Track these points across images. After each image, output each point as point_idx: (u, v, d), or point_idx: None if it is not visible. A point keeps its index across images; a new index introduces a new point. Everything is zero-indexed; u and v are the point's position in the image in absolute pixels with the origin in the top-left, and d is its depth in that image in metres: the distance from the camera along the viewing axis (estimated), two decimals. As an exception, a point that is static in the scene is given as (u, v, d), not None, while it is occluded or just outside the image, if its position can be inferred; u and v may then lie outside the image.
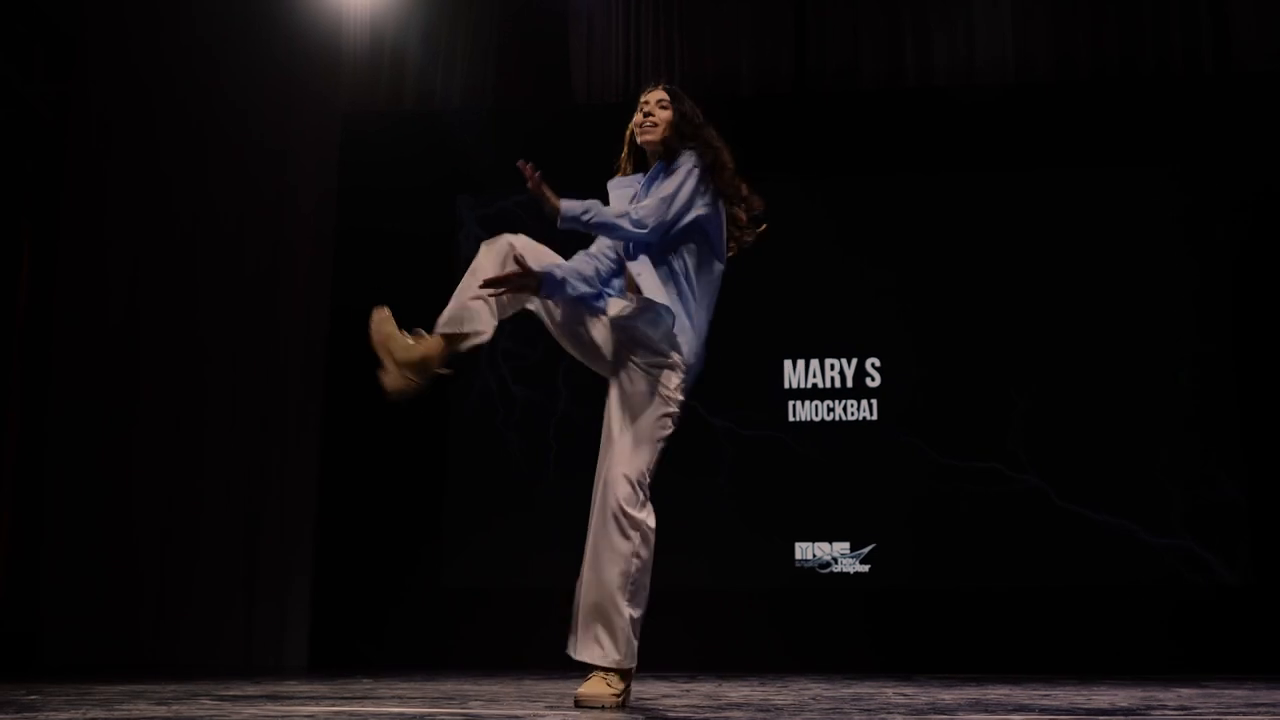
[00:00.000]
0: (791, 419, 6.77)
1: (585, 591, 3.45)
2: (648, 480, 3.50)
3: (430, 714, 3.06)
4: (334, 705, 3.41)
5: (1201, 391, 6.53)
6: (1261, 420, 6.46)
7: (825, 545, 6.61)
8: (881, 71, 7.11)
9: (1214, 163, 6.71)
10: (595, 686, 3.28)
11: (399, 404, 3.67)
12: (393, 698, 3.79)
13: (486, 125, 7.16)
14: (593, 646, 3.36)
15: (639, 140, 3.82)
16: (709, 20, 7.20)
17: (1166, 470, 6.45)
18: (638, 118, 3.82)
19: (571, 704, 3.32)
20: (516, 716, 3.02)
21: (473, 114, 7.24)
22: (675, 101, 3.77)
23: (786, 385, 6.81)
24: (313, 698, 3.76)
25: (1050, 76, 7.01)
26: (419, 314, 6.94)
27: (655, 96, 3.78)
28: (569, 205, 3.56)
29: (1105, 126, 6.80)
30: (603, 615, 3.38)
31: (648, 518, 3.48)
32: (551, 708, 3.36)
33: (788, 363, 6.83)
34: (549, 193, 3.59)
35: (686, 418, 6.75)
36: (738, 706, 3.42)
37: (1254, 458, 6.44)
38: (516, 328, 6.95)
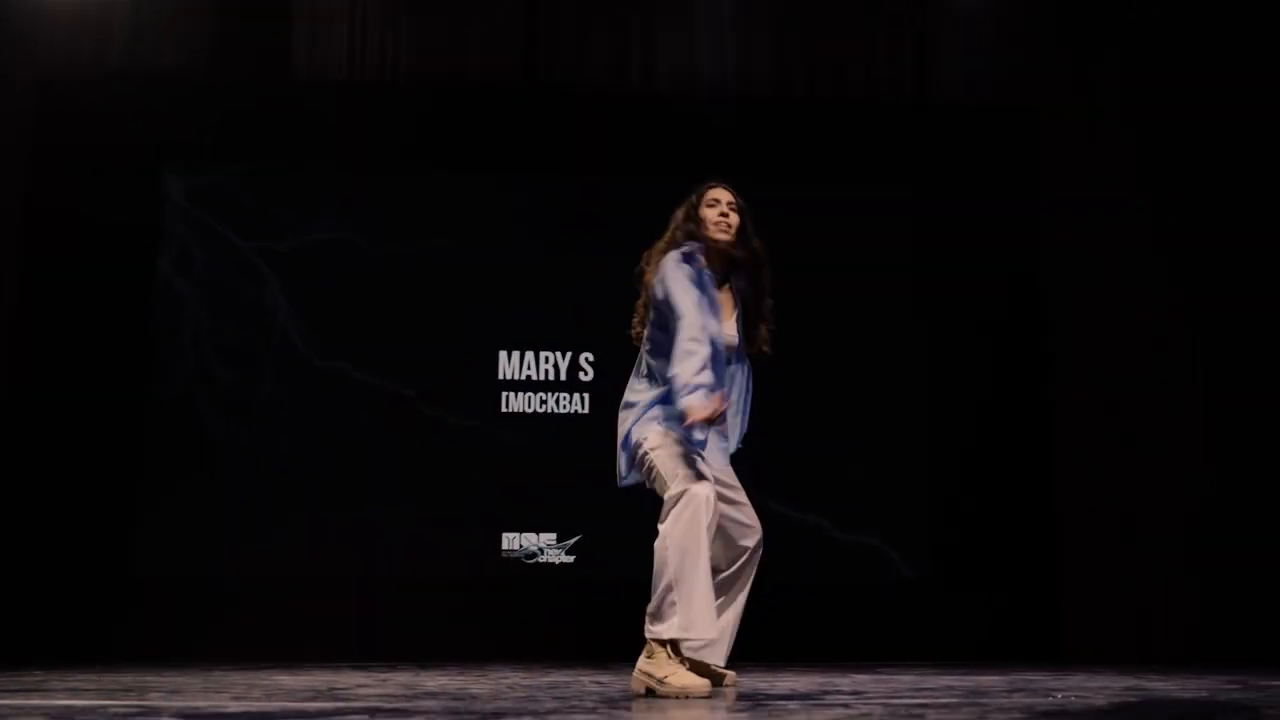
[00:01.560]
0: (504, 410, 6.76)
1: None
2: None
3: (101, 705, 2.88)
4: (-5, 698, 3.16)
5: (892, 401, 6.91)
6: (944, 428, 6.88)
7: (532, 536, 6.64)
8: (607, 73, 7.16)
9: (910, 183, 7.12)
10: None
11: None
12: (65, 690, 3.55)
13: (198, 93, 6.83)
14: None
15: (715, 236, 3.85)
16: (436, 9, 7.07)
17: (858, 472, 6.79)
18: (712, 213, 3.87)
19: (259, 695, 3.19)
20: (195, 709, 2.87)
21: (184, 80, 6.86)
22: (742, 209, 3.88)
23: (500, 376, 6.80)
24: (-27, 691, 3.48)
25: (766, 91, 7.23)
26: (116, 302, 6.61)
27: (728, 197, 3.90)
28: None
29: (815, 142, 7.10)
30: None
31: None
32: (237, 699, 3.22)
33: (502, 354, 6.82)
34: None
35: (398, 407, 6.68)
36: (432, 695, 3.38)
37: (936, 463, 6.86)
38: (221, 303, 6.71)
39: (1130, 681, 4.20)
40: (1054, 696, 3.37)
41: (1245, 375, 6.80)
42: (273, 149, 6.93)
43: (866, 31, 7.26)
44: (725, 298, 3.86)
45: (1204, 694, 3.48)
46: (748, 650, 6.21)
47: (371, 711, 2.79)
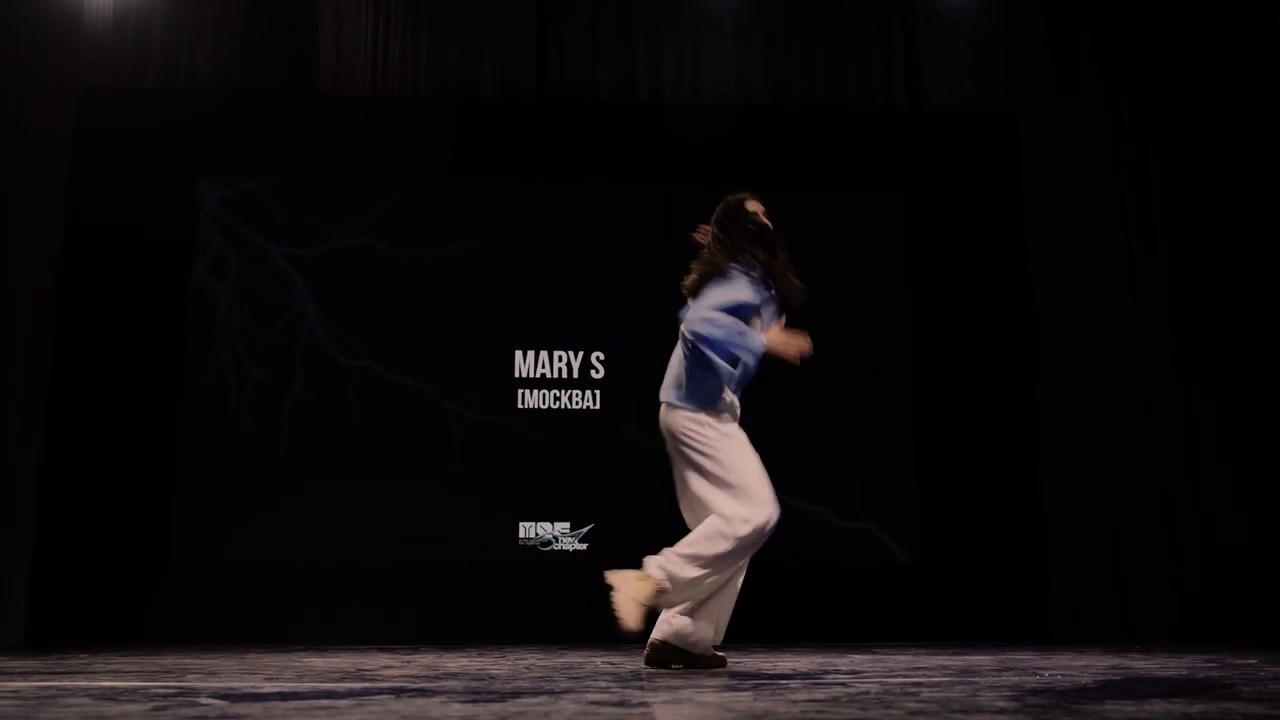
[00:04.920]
0: (520, 406, 6.78)
1: None
2: None
3: (142, 687, 2.90)
4: (44, 680, 3.18)
5: (885, 396, 6.92)
6: (934, 421, 6.89)
7: (547, 525, 6.65)
8: (615, 85, 7.17)
9: (902, 187, 7.13)
10: None
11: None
12: (108, 672, 3.57)
13: (231, 107, 6.86)
14: None
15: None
16: (455, 25, 7.10)
17: (853, 462, 6.80)
18: (766, 221, 3.96)
19: (291, 676, 3.21)
20: (231, 689, 2.89)
21: (217, 94, 6.89)
22: None
23: (517, 374, 6.81)
24: (23, 673, 3.50)
25: (766, 100, 7.23)
26: (153, 299, 6.64)
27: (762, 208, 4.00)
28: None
29: (812, 150, 7.10)
30: None
31: None
32: (270, 679, 3.23)
33: (518, 353, 6.83)
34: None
35: (420, 403, 6.68)
36: (454, 675, 3.39)
37: (924, 452, 6.87)
38: (253, 306, 6.73)
39: (1113, 660, 4.21)
40: (1041, 675, 3.38)
41: (1224, 366, 6.79)
42: (301, 159, 6.96)
43: (859, 43, 7.26)
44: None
45: (1184, 672, 3.48)
46: (752, 631, 6.24)
47: (397, 691, 2.81)
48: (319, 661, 4.18)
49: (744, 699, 2.60)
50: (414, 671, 3.63)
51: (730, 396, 3.73)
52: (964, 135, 7.22)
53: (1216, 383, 6.78)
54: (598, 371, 6.84)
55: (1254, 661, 4.01)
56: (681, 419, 3.68)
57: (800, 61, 7.23)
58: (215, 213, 6.84)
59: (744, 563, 3.70)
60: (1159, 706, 2.30)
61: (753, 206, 3.94)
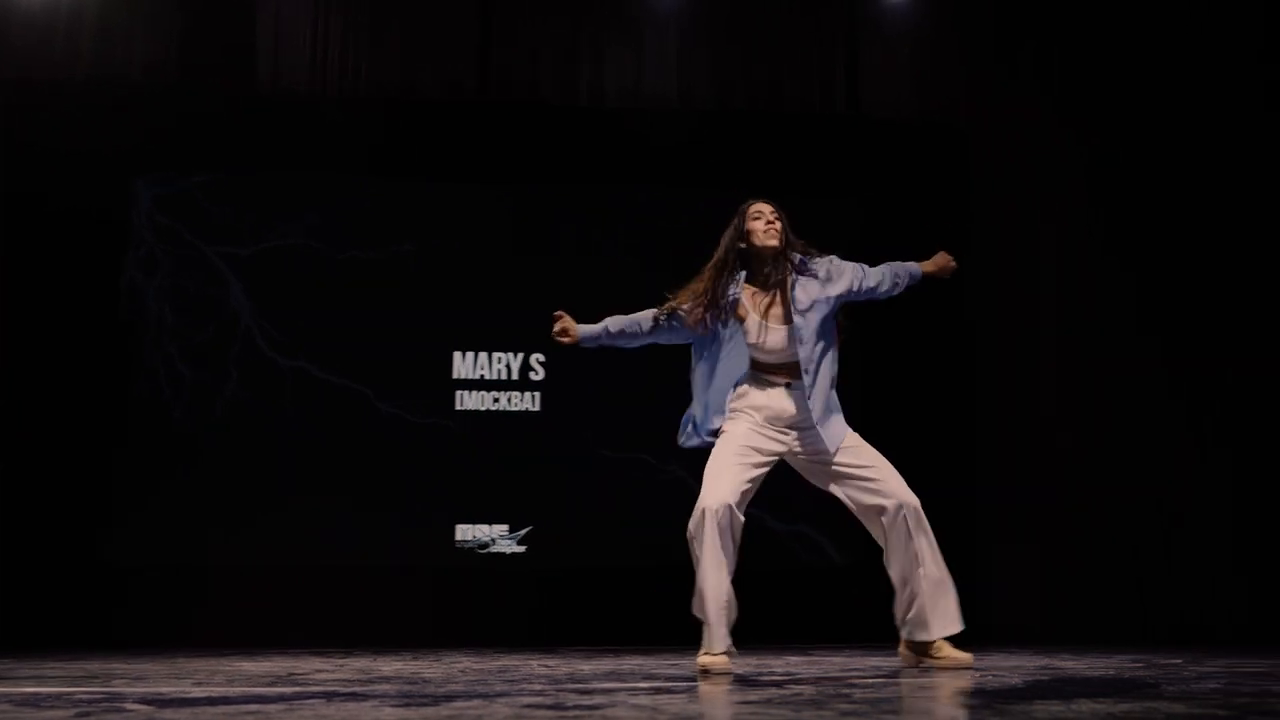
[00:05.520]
0: (459, 407, 6.74)
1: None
2: None
3: (66, 693, 2.84)
4: (-37, 686, 3.10)
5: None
6: (872, 423, 6.91)
7: (485, 527, 6.62)
8: (557, 87, 7.15)
9: (842, 194, 7.17)
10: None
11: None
12: (31, 677, 3.50)
13: (166, 102, 6.74)
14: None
15: (763, 242, 3.84)
16: (396, 23, 7.03)
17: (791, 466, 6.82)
18: (758, 225, 3.88)
19: (221, 680, 3.16)
20: (158, 694, 2.84)
21: (152, 90, 6.76)
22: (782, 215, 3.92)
23: (455, 375, 6.77)
24: (-59, 678, 3.41)
25: (709, 105, 7.25)
26: (83, 298, 6.51)
27: (769, 209, 3.92)
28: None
29: (754, 155, 7.12)
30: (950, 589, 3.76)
31: None
32: (200, 684, 3.18)
33: (457, 354, 6.79)
34: None
35: (358, 405, 6.62)
36: (387, 679, 3.36)
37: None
38: (186, 305, 6.63)
39: (1043, 661, 4.26)
40: (972, 675, 3.41)
41: (1151, 373, 6.92)
42: (237, 157, 6.85)
43: (801, 50, 7.30)
44: (777, 309, 3.79)
45: (1111, 672, 3.54)
46: (687, 635, 6.25)
47: (328, 695, 2.77)
48: (250, 666, 4.13)
49: (677, 700, 2.60)
50: (347, 675, 3.58)
51: (744, 389, 3.76)
52: (908, 143, 7.27)
53: (1166, 386, 6.91)
54: (537, 373, 6.82)
55: (1179, 661, 4.09)
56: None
57: (743, 67, 7.25)
58: (148, 210, 6.72)
59: (717, 554, 3.71)
60: (1085, 706, 2.33)
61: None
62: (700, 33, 7.23)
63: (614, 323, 3.95)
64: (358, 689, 2.99)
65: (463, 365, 6.78)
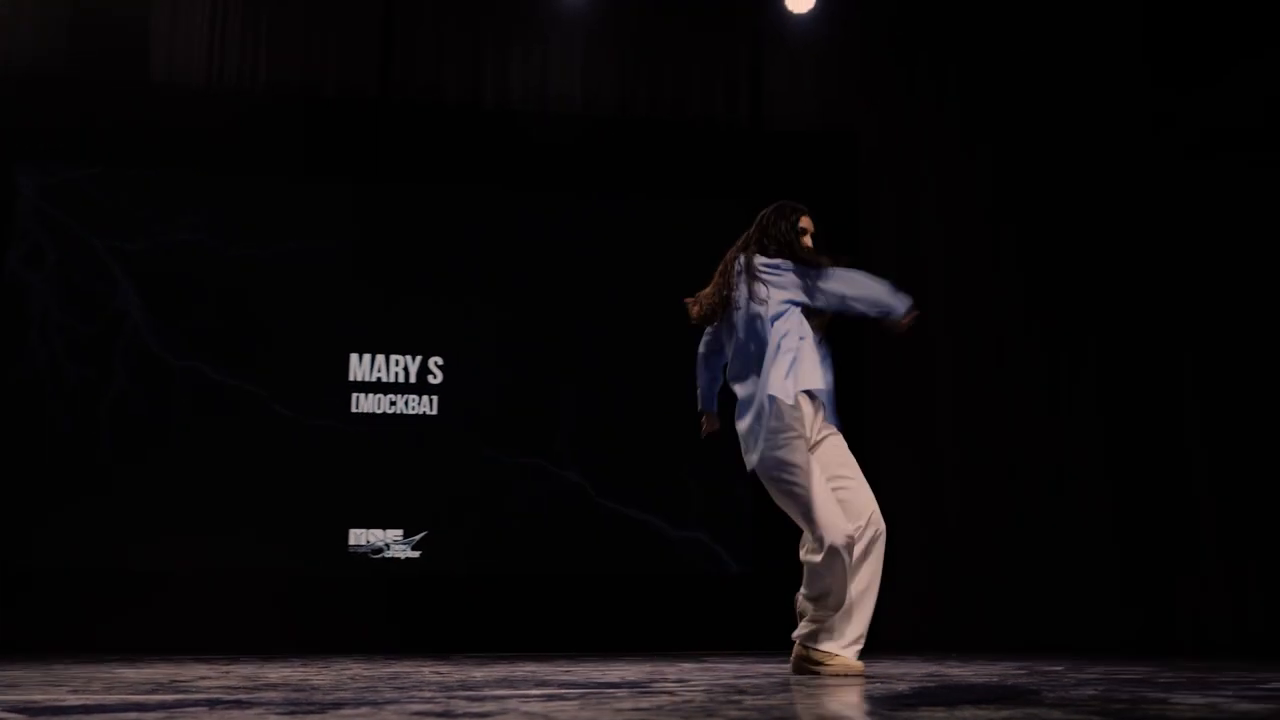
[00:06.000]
0: (354, 410, 6.64)
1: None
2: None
3: (-67, 701, 2.73)
4: None
5: (724, 406, 6.98)
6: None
7: (379, 532, 6.53)
8: (461, 89, 7.10)
9: (742, 201, 7.21)
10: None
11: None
12: (-105, 685, 3.35)
13: (55, 92, 6.53)
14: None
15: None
16: (297, 18, 6.91)
17: (689, 473, 6.86)
18: (807, 239, 3.99)
19: (99, 688, 3.06)
20: (32, 702, 2.74)
21: (40, 78, 6.55)
22: None
23: (351, 378, 6.67)
24: None
25: (613, 110, 7.26)
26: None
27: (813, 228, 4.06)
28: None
29: (656, 161, 7.15)
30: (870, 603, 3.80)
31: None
32: (75, 692, 3.08)
33: (354, 356, 6.69)
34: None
35: (251, 406, 6.48)
36: (274, 686, 3.29)
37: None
38: (72, 300, 6.42)
39: (931, 668, 4.34)
40: (862, 683, 3.45)
41: (1040, 384, 7.11)
42: (129, 150, 6.66)
43: (706, 58, 7.35)
44: None
45: (995, 679, 3.61)
46: (583, 641, 6.26)
47: (211, 703, 2.70)
48: (130, 673, 4.01)
49: (569, 708, 2.59)
50: (232, 682, 3.50)
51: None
52: (800, 150, 7.35)
53: (1069, 392, 7.09)
54: (435, 377, 6.75)
55: (1060, 668, 4.19)
56: None
57: (647, 74, 7.29)
58: (34, 201, 6.51)
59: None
60: (968, 713, 2.38)
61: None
62: (606, 38, 7.24)
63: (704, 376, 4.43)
64: (242, 696, 2.92)
65: (359, 368, 6.69)
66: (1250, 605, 6.74)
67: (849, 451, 3.96)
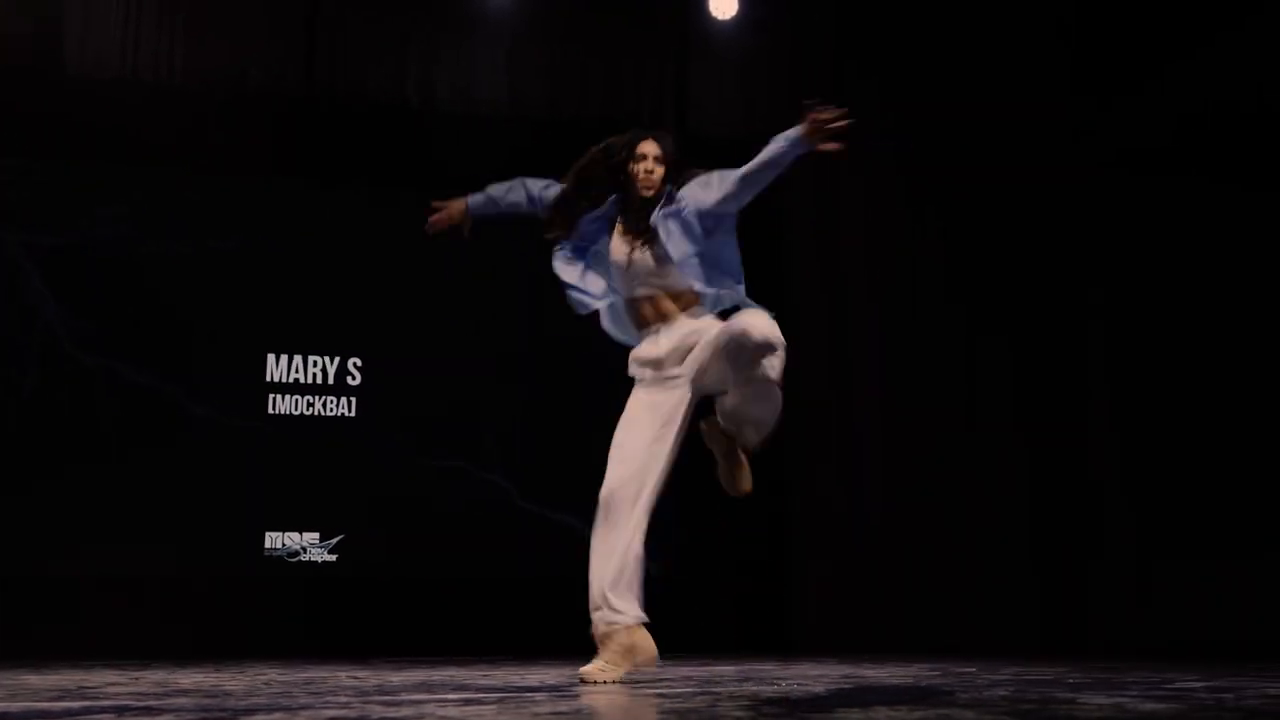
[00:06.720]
0: (271, 411, 6.54)
1: None
2: None
3: None
4: None
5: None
6: (688, 437, 7.02)
7: (295, 535, 6.44)
8: (386, 86, 7.01)
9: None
10: None
11: None
12: None
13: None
14: None
15: (643, 193, 3.84)
16: (216, 11, 6.78)
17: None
18: (639, 169, 3.83)
19: (2, 695, 2.98)
20: (-69, 709, 2.66)
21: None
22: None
23: (269, 378, 6.57)
24: None
25: (539, 112, 7.23)
26: None
27: (655, 150, 3.84)
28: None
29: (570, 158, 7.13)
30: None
31: None
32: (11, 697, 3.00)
33: (271, 356, 6.59)
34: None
35: (165, 405, 6.35)
36: (185, 693, 3.23)
37: (679, 468, 6.98)
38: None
39: (848, 670, 4.39)
40: (779, 685, 3.49)
41: (959, 389, 7.22)
42: (40, 143, 6.49)
43: (633, 62, 7.36)
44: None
45: (910, 680, 3.67)
46: (502, 644, 6.22)
47: (119, 710, 2.65)
48: (35, 679, 3.91)
49: (486, 712, 2.58)
50: (142, 689, 3.43)
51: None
52: (733, 155, 7.35)
53: (986, 399, 7.20)
54: (354, 378, 6.68)
55: (973, 670, 4.27)
56: None
57: (575, 76, 7.27)
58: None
59: None
60: (883, 714, 2.41)
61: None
62: (534, 39, 7.22)
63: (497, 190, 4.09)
64: (152, 703, 2.87)
65: (277, 368, 6.59)
66: (1157, 607, 6.90)
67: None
